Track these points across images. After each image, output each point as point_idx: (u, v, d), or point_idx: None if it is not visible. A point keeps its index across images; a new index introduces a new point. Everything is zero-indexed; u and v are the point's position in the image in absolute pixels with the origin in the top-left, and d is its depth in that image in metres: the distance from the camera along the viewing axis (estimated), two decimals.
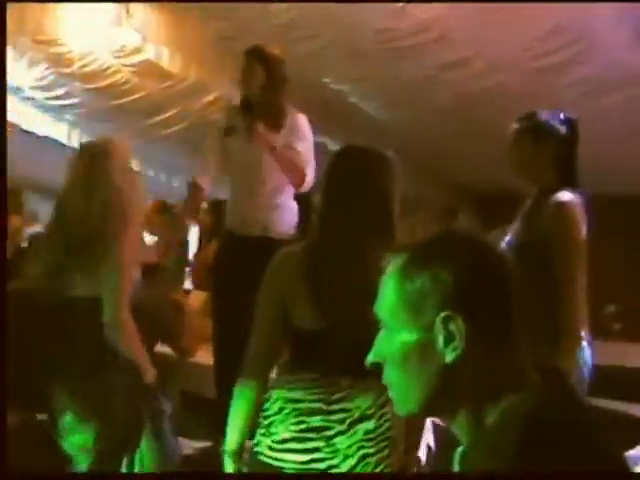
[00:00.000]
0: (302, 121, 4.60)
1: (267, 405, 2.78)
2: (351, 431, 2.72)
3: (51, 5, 6.68)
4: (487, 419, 1.39)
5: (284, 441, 2.72)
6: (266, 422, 2.76)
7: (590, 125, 3.78)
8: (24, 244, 7.61)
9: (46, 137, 10.01)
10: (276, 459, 2.72)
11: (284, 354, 2.84)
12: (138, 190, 3.79)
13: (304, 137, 4.56)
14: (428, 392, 1.43)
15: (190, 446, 4.64)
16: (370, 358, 1.51)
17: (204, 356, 5.27)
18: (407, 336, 1.44)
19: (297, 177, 4.51)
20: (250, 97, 4.57)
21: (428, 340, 1.41)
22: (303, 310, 2.74)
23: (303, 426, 2.72)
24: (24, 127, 9.86)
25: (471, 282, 1.40)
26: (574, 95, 5.82)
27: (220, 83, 7.84)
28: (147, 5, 6.81)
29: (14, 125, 9.88)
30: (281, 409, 2.75)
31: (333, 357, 2.66)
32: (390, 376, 1.48)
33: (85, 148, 3.84)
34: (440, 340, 1.40)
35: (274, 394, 2.77)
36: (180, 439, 4.63)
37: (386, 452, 2.78)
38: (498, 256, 1.46)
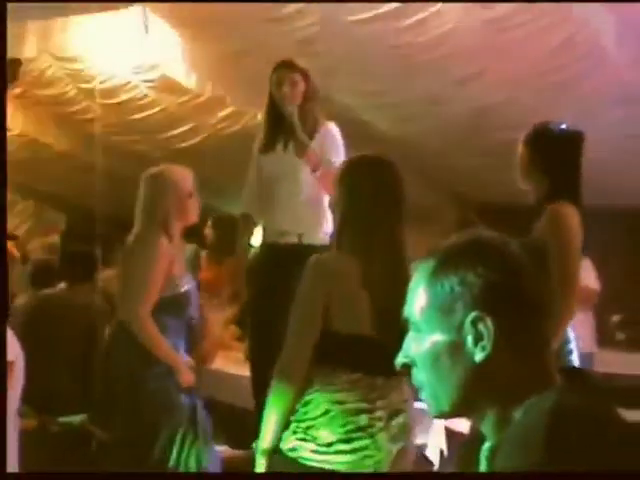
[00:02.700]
0: (334, 129, 4.59)
1: (306, 409, 2.79)
2: (389, 426, 2.80)
3: (73, 22, 6.71)
4: (514, 416, 1.40)
5: (330, 444, 2.75)
6: (305, 426, 2.78)
7: (591, 139, 3.80)
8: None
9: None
10: (324, 462, 2.74)
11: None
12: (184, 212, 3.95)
13: (337, 145, 4.53)
14: (459, 391, 1.45)
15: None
16: (400, 360, 1.53)
17: (220, 363, 5.29)
18: (437, 337, 1.46)
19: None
20: (290, 109, 4.53)
21: (458, 341, 1.43)
22: (354, 314, 2.78)
23: (350, 426, 2.76)
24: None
25: (498, 284, 1.43)
26: (578, 110, 5.84)
27: (235, 98, 7.87)
28: (165, 23, 6.84)
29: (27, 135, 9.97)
30: (327, 411, 2.78)
31: (375, 359, 2.70)
32: (420, 377, 1.50)
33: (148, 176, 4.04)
34: (469, 340, 1.42)
35: (316, 397, 2.80)
36: None
37: (413, 443, 2.93)
38: (522, 259, 1.48)
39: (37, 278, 5.50)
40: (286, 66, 4.58)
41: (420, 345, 1.49)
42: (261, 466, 2.82)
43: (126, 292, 3.89)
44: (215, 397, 5.00)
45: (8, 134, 10.13)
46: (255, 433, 4.40)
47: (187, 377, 3.87)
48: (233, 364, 5.30)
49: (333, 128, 4.60)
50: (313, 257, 2.94)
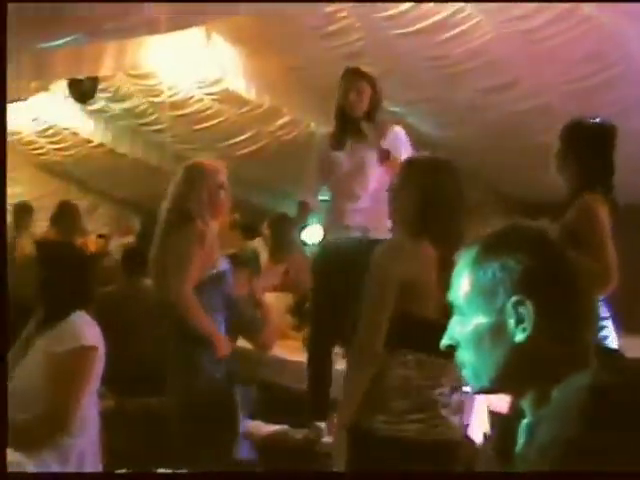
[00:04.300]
0: (401, 131, 4.55)
1: (380, 383, 2.81)
2: (450, 401, 2.85)
3: (144, 42, 6.78)
4: (553, 393, 1.37)
5: (401, 414, 2.78)
6: (378, 398, 2.80)
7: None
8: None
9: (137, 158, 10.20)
10: (396, 430, 2.77)
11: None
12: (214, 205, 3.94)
13: (406, 146, 4.48)
14: (499, 369, 1.43)
15: (265, 429, 4.65)
16: (445, 341, 1.53)
17: (279, 350, 5.28)
18: (480, 320, 1.44)
19: None
20: (360, 114, 4.47)
21: (500, 322, 1.41)
22: (425, 298, 2.78)
23: (419, 399, 2.80)
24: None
25: (538, 269, 1.40)
26: (607, 115, 5.72)
27: (291, 108, 7.89)
28: (226, 40, 6.88)
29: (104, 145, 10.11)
30: (398, 386, 2.80)
31: (437, 341, 2.71)
32: (464, 357, 1.49)
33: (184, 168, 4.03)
34: (511, 322, 1.40)
35: (389, 373, 2.81)
36: (258, 422, 4.66)
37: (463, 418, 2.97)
38: (559, 244, 1.45)
39: (127, 265, 5.49)
40: (353, 73, 4.53)
41: (464, 327, 1.47)
42: (343, 440, 2.82)
43: (169, 272, 3.88)
44: (275, 381, 5.01)
45: (89, 145, 10.30)
46: (312, 412, 4.43)
47: (224, 350, 3.85)
48: (290, 351, 5.28)
49: (400, 130, 4.54)
50: (388, 241, 2.98)
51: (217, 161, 4.18)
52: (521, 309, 1.39)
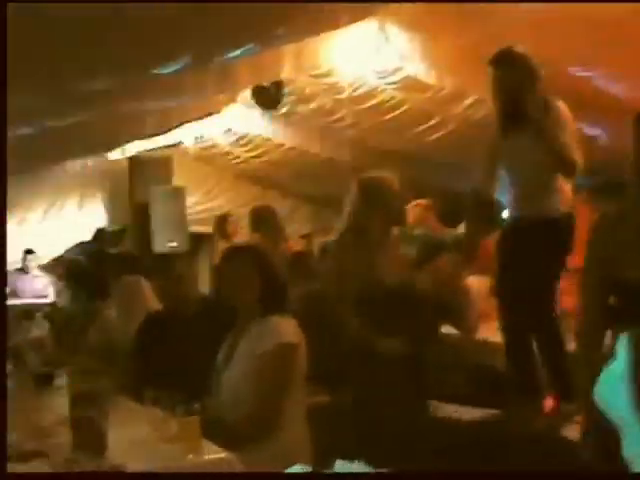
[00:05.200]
0: (563, 109, 4.47)
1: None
2: None
3: (320, 41, 6.93)
4: None
5: None
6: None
7: None
8: None
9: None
10: None
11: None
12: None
13: (565, 126, 4.42)
14: None
15: (472, 414, 4.64)
16: None
17: (485, 332, 5.26)
18: None
19: (569, 169, 4.42)
20: (525, 101, 4.45)
21: None
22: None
23: None
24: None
25: None
26: None
27: (476, 88, 7.79)
28: (400, 27, 6.91)
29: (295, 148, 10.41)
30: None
31: None
32: None
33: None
34: None
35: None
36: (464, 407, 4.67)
37: None
38: None
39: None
40: (501, 57, 4.51)
41: None
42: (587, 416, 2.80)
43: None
44: (482, 363, 5.00)
45: (281, 149, 10.64)
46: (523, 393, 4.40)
47: None
48: (494, 332, 5.25)
49: (561, 107, 4.47)
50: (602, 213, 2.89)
51: (386, 172, 4.33)
52: None
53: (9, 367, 3.75)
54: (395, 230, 4.24)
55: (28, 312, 7.57)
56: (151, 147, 10.02)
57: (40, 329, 5.24)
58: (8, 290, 8.37)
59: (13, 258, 10.38)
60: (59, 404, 2.95)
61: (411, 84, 7.78)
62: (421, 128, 8.77)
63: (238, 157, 11.26)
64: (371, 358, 3.94)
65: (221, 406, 3.31)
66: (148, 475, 2.52)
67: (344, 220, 4.18)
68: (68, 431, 2.71)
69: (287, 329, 3.33)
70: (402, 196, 4.18)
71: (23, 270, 9.60)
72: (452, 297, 4.76)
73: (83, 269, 5.66)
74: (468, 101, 8.06)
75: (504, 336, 4.58)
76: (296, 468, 1.26)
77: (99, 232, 9.28)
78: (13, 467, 2.66)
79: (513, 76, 4.42)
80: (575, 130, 4.51)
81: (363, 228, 4.09)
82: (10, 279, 9.05)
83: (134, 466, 2.62)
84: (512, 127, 4.51)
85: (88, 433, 2.67)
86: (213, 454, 2.80)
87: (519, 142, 4.48)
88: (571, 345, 3.88)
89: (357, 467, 1.26)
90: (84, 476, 2.45)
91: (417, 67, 7.39)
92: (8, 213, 10.76)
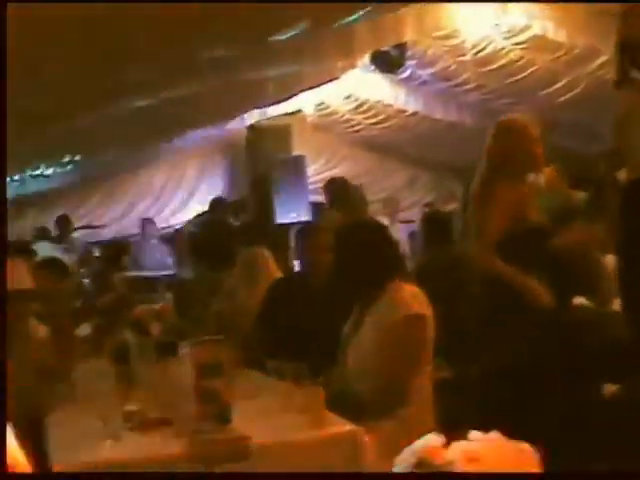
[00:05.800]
0: None
1: None
2: None
3: (445, 3, 6.78)
4: None
5: None
6: None
7: None
8: None
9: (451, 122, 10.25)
10: None
11: None
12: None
13: None
14: None
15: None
16: None
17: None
18: None
19: None
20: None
21: None
22: None
23: None
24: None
25: None
26: None
27: (609, 47, 7.46)
28: None
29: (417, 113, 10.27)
30: None
31: None
32: None
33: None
34: None
35: None
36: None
37: None
38: None
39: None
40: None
41: None
42: None
43: (478, 235, 3.84)
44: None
45: (403, 115, 10.50)
46: None
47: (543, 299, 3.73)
48: None
49: None
50: None
51: (527, 115, 4.14)
52: None
53: (132, 337, 3.79)
54: (531, 177, 4.03)
55: (150, 283, 7.75)
56: (270, 116, 10.06)
57: (163, 300, 5.33)
58: (128, 260, 8.48)
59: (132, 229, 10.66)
60: (183, 373, 2.96)
61: (540, 44, 7.55)
62: (549, 90, 8.50)
63: (359, 124, 11.17)
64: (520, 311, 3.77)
65: (347, 378, 3.26)
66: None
67: (483, 162, 4.01)
68: (192, 401, 2.71)
69: (415, 300, 3.25)
70: (539, 141, 3.95)
71: (142, 239, 9.76)
72: (587, 267, 4.56)
73: (205, 241, 5.70)
74: (601, 60, 7.75)
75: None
76: (430, 436, 1.18)
77: (217, 203, 9.36)
78: (136, 436, 2.69)
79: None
80: None
81: (500, 170, 3.88)
82: (131, 249, 9.22)
83: (259, 437, 2.60)
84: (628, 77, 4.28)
85: (213, 403, 2.67)
86: (339, 426, 2.76)
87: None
88: None
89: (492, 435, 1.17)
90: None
91: (545, 26, 7.14)
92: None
